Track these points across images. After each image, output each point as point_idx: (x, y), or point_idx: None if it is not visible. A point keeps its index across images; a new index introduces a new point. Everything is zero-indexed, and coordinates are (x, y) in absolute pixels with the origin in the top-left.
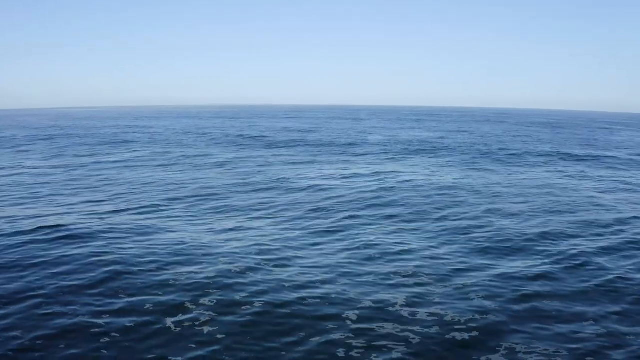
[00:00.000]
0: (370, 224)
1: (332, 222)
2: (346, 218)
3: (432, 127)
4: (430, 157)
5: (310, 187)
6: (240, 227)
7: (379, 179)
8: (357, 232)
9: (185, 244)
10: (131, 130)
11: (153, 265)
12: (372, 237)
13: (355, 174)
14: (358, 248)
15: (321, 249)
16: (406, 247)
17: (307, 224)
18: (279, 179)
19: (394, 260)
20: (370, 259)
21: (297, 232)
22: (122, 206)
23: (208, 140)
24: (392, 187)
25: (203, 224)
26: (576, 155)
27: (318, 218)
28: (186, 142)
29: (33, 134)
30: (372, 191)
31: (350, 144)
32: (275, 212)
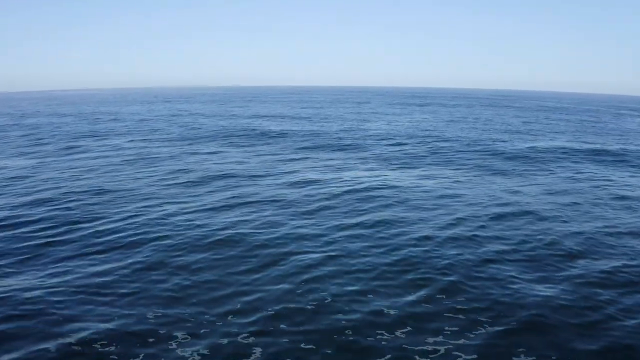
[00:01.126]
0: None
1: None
2: (311, 267)
3: (436, 111)
4: (432, 154)
5: (279, 192)
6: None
7: (367, 185)
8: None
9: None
10: (116, 117)
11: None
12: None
13: (341, 178)
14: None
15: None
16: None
17: (244, 252)
18: (241, 191)
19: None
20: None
21: (223, 269)
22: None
23: (190, 131)
24: (388, 196)
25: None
26: (598, 151)
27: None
28: (166, 133)
29: (14, 122)
30: (360, 207)
31: (346, 133)
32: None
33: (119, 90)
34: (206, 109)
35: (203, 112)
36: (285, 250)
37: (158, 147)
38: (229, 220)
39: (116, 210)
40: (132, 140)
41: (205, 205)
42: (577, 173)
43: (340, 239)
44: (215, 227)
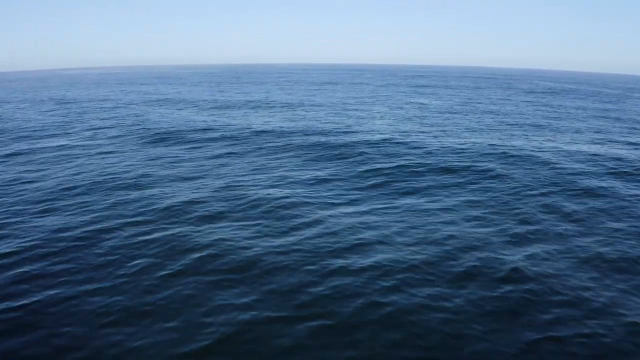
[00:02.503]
0: None
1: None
2: None
3: (440, 95)
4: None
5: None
6: None
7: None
8: None
9: None
10: (92, 106)
11: None
12: None
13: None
14: None
15: None
16: None
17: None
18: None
19: None
20: None
21: None
22: None
23: (155, 125)
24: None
25: None
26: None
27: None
28: (127, 128)
29: None
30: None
31: (335, 133)
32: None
33: (121, 68)
34: (193, 93)
35: (188, 97)
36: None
37: (101, 151)
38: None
39: None
40: (84, 138)
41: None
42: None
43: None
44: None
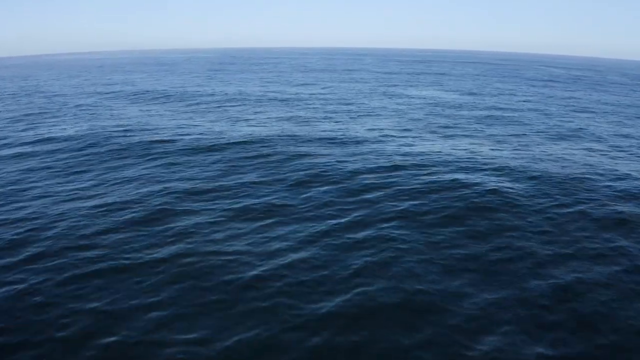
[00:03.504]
0: None
1: None
2: None
3: (446, 84)
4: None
5: None
6: None
7: None
8: None
9: None
10: (63, 102)
11: None
12: None
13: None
14: None
15: None
16: None
17: None
18: None
19: None
20: None
21: None
22: None
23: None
24: None
25: None
26: None
27: None
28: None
29: None
30: None
31: (332, 133)
32: None
33: (121, 53)
34: (183, 84)
35: (178, 89)
36: None
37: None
38: None
39: None
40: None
41: None
42: None
43: None
44: None
